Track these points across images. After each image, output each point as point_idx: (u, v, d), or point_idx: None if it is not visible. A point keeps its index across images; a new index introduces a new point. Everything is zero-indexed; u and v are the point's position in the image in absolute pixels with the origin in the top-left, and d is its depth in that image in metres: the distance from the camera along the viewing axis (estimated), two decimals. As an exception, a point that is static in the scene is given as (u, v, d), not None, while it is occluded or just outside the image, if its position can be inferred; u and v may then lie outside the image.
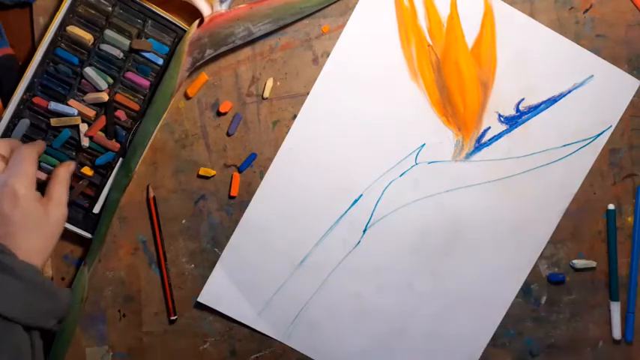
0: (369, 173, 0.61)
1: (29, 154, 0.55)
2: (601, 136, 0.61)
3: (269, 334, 0.62)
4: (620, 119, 0.61)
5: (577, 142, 0.61)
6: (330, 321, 0.62)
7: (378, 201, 0.61)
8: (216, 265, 0.61)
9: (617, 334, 0.61)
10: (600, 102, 0.60)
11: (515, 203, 0.61)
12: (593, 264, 0.61)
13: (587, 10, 0.61)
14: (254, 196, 0.61)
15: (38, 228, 0.53)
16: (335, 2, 0.60)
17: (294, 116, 0.61)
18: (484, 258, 0.61)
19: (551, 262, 0.62)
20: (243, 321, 0.62)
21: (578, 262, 0.61)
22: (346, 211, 0.61)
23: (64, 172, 0.57)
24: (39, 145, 0.58)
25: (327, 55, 0.61)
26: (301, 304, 0.62)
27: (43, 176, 0.59)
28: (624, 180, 0.61)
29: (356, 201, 0.61)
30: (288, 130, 0.61)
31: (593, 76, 0.60)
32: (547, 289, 0.62)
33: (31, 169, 0.54)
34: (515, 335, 0.62)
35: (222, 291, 0.61)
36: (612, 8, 0.61)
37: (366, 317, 0.62)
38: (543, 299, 0.62)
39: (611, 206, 0.61)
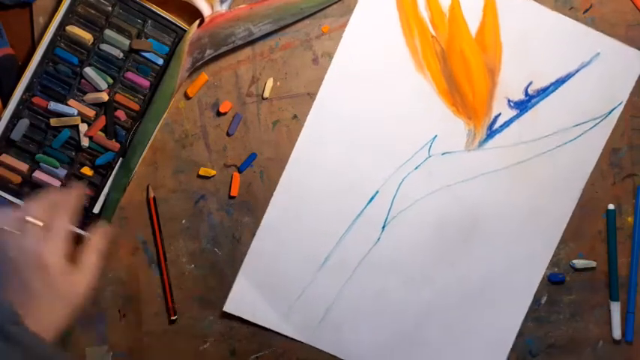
0: (383, 169, 0.61)
1: (66, 224, 0.53)
2: (612, 112, 0.60)
3: (297, 338, 0.62)
4: (621, 119, 0.61)
5: (589, 121, 0.60)
6: (356, 319, 0.61)
7: (394, 196, 0.61)
8: (239, 273, 0.61)
9: (617, 334, 0.61)
10: (608, 79, 0.60)
11: (532, 187, 0.60)
12: (593, 264, 0.61)
13: (587, 10, 0.61)
14: (270, 203, 0.61)
15: (59, 301, 0.51)
16: (336, 2, 0.60)
17: (295, 116, 0.61)
18: (504, 245, 0.61)
19: (551, 262, 0.61)
20: (269, 327, 0.61)
21: (578, 262, 0.61)
22: (363, 209, 0.61)
23: (100, 240, 0.56)
24: (77, 197, 0.55)
25: (328, 55, 0.61)
26: (326, 305, 0.61)
27: (43, 176, 0.59)
28: (624, 180, 0.61)
29: (372, 198, 0.61)
30: (288, 130, 0.61)
31: (599, 53, 0.60)
32: (547, 289, 0.62)
33: (65, 241, 0.52)
34: (516, 335, 0.62)
35: (246, 299, 0.61)
36: (612, 8, 0.60)
37: (390, 313, 0.61)
38: (543, 299, 0.62)
39: (611, 206, 0.61)
